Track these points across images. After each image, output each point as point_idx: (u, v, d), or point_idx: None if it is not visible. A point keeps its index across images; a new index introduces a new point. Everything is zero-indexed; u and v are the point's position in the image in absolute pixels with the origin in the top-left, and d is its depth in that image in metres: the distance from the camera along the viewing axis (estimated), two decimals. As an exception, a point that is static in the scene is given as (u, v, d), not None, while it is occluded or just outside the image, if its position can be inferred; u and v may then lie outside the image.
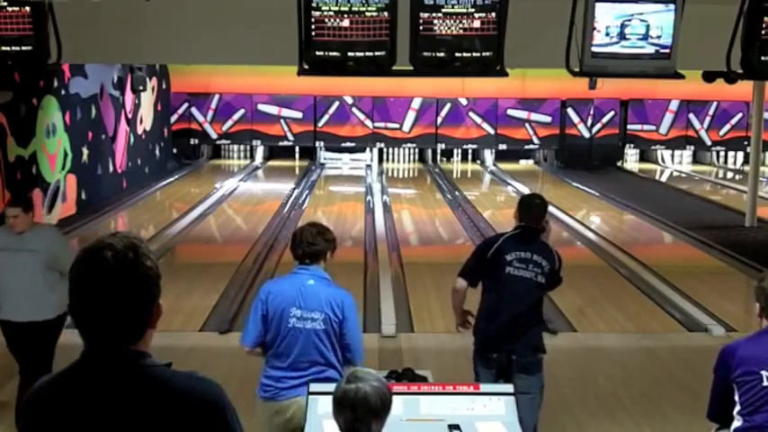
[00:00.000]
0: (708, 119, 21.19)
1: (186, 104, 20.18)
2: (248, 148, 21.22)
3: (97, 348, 1.81)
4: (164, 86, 18.73)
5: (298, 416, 3.86)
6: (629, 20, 4.58)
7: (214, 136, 20.47)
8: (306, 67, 4.59)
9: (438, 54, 4.53)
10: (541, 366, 4.58)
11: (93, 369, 1.81)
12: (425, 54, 4.53)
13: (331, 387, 2.80)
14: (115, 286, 1.78)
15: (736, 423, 3.29)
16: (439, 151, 21.30)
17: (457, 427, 3.35)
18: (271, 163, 20.88)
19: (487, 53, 4.54)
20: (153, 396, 1.80)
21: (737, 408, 3.28)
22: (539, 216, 4.66)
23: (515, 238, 4.59)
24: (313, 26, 4.47)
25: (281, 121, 20.35)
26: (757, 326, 3.41)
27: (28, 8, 4.60)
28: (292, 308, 3.94)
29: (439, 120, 20.53)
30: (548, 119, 20.75)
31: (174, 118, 19.75)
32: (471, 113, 20.60)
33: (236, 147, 21.21)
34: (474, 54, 4.54)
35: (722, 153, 21.94)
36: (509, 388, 3.59)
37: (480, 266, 4.64)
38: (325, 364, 3.99)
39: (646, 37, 4.60)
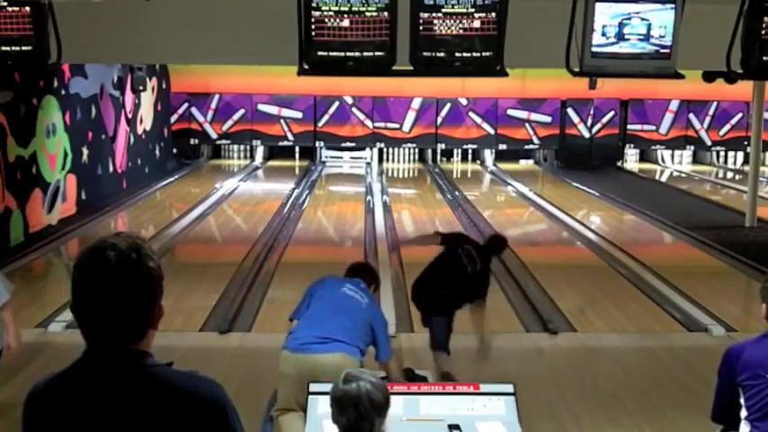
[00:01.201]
0: (708, 119, 21.18)
1: (186, 104, 20.17)
2: (248, 148, 21.21)
3: (98, 348, 1.81)
4: (164, 86, 18.72)
5: (327, 369, 3.98)
6: (629, 19, 4.57)
7: (214, 136, 20.46)
8: (306, 67, 4.59)
9: (438, 54, 4.53)
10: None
11: (94, 368, 1.81)
12: (425, 54, 4.53)
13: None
14: (118, 286, 1.78)
15: (745, 429, 3.25)
16: (439, 151, 21.29)
17: (457, 427, 3.35)
18: (271, 163, 20.87)
19: (487, 53, 4.54)
20: (154, 396, 1.80)
21: (744, 413, 3.25)
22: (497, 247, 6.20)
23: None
24: (313, 26, 4.47)
25: (281, 121, 20.34)
26: (760, 326, 3.39)
27: (28, 8, 4.59)
28: (347, 284, 4.59)
29: (439, 120, 20.53)
30: (548, 119, 20.73)
31: (174, 118, 19.74)
32: (471, 113, 20.60)
33: (236, 147, 21.20)
34: (474, 54, 4.54)
35: (722, 153, 21.93)
36: (509, 388, 3.59)
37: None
38: (358, 336, 4.32)
39: (646, 37, 4.60)
